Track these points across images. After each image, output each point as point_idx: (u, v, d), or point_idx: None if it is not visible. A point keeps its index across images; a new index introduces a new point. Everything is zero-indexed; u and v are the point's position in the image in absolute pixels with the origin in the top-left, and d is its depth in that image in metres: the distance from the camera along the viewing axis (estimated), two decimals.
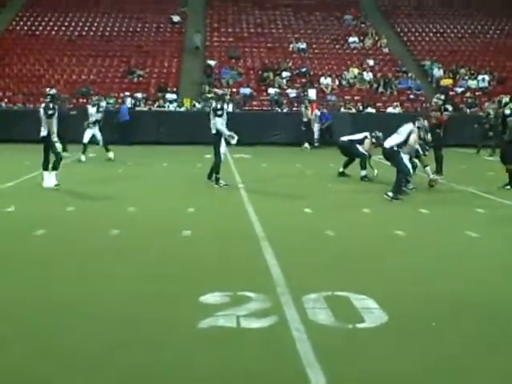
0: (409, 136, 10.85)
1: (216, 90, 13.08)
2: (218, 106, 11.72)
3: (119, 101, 25.20)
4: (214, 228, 8.12)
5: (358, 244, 7.35)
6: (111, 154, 16.95)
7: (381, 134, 13.36)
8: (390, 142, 10.96)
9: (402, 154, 10.80)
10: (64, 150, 17.81)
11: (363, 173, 13.18)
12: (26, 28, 32.55)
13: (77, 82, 27.63)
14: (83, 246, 7.05)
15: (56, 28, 32.60)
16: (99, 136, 17.14)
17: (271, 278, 5.76)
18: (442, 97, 15.06)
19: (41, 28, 32.56)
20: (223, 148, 12.05)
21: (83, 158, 16.63)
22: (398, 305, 5.03)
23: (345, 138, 13.79)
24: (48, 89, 12.49)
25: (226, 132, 11.69)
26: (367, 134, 13.43)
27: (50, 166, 11.41)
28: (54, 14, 33.55)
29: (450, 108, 14.96)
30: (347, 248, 7.14)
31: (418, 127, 11.12)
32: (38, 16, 33.41)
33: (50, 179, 11.36)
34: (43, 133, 11.43)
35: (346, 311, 4.84)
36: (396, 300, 5.15)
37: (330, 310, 4.84)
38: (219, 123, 11.59)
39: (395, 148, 10.80)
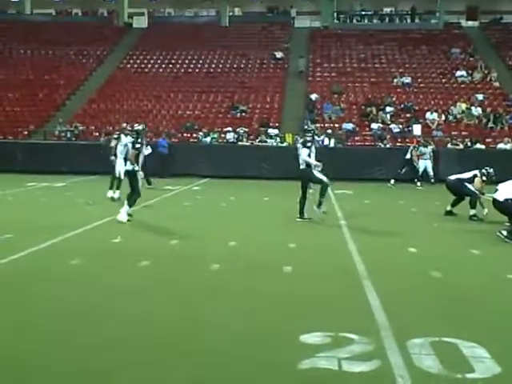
0: None
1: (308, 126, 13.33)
2: (308, 139, 11.99)
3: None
4: (315, 265, 7.99)
5: (466, 287, 7.00)
6: (113, 194, 14.92)
7: (492, 171, 12.78)
8: (504, 195, 10.41)
9: None
10: (149, 183, 18.29)
11: (472, 212, 12.63)
12: (135, 66, 34.10)
13: (182, 117, 28.50)
14: (184, 280, 7.13)
15: (163, 65, 33.95)
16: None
17: (374, 319, 5.56)
18: None
19: (149, 65, 34.01)
20: (319, 173, 11.96)
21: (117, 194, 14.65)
22: None
23: (453, 177, 13.29)
24: (136, 124, 12.82)
25: (312, 162, 11.80)
26: (477, 171, 12.88)
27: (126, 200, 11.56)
28: (162, 52, 34.99)
29: None
30: (455, 291, 6.81)
31: None
32: (147, 54, 34.96)
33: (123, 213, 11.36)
34: (128, 167, 11.74)
35: (455, 359, 4.59)
36: (510, 350, 4.81)
37: (437, 356, 4.60)
38: (305, 154, 11.72)
39: (510, 201, 10.26)
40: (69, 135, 26.58)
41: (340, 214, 13.07)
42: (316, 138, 24.08)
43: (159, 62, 34.34)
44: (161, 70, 33.51)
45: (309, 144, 11.87)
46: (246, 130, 26.50)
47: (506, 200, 10.31)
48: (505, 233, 10.00)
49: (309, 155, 11.85)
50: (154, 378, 4.24)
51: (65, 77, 32.51)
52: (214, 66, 33.81)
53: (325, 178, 12.00)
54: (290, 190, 16.06)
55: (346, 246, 9.40)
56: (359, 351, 4.70)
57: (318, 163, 11.83)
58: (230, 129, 26.47)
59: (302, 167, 11.91)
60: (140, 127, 12.22)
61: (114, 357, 4.59)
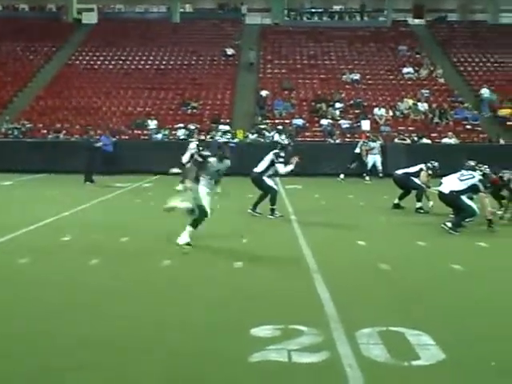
0: (473, 187, 10.56)
1: (280, 139, 13.20)
2: (282, 154, 12.06)
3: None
4: (266, 259, 8.06)
5: (413, 278, 7.17)
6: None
7: (437, 164, 13.12)
8: (449, 187, 10.68)
9: (462, 197, 10.53)
10: (91, 181, 18.44)
11: (418, 205, 12.95)
12: (84, 62, 33.54)
13: (132, 113, 28.23)
14: (135, 277, 7.09)
15: (113, 62, 33.51)
16: None
17: (323, 311, 5.65)
18: None
19: (99, 62, 33.52)
20: (270, 181, 12.10)
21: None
22: (456, 342, 4.85)
23: (400, 172, 13.60)
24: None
25: (290, 169, 11.99)
26: (422, 166, 13.21)
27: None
28: (112, 48, 34.53)
29: None
30: (402, 282, 6.97)
31: (484, 174, 10.78)
32: (97, 50, 34.45)
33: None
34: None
35: (401, 347, 4.70)
36: (454, 337, 4.97)
37: (385, 345, 4.71)
38: (282, 168, 11.94)
39: (455, 193, 10.53)
40: (16, 133, 26.01)
41: (290, 208, 13.18)
42: (267, 133, 24.31)
43: (109, 58, 33.86)
44: (111, 67, 33.05)
45: (281, 160, 11.97)
46: (198, 126, 26.42)
47: (452, 192, 10.58)
48: (449, 224, 10.29)
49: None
50: (107, 377, 4.23)
51: (11, 73, 31.73)
52: (164, 62, 33.55)
53: (274, 186, 12.15)
54: (239, 185, 16.14)
55: (296, 240, 9.50)
56: (309, 343, 4.76)
57: (291, 166, 11.92)
58: (181, 125, 26.36)
59: (255, 170, 12.08)
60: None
61: (71, 356, 4.56)
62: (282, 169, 11.96)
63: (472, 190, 10.61)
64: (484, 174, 10.86)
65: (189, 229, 8.81)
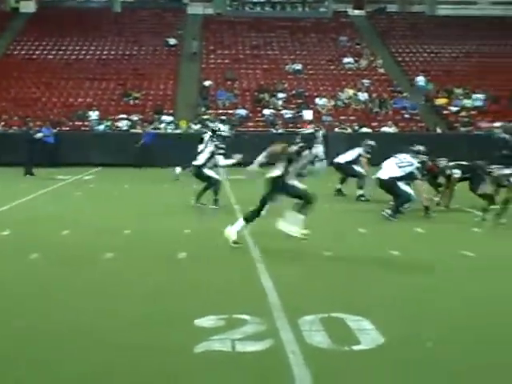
0: (410, 174, 10.82)
1: (222, 131, 12.99)
2: (223, 146, 12.04)
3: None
4: (210, 249, 8.08)
5: (354, 264, 7.32)
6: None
7: (373, 142, 13.51)
8: (387, 173, 10.89)
9: (399, 183, 10.78)
10: (31, 173, 18.26)
11: (359, 192, 13.23)
12: (23, 52, 32.71)
13: (73, 105, 27.74)
14: (76, 269, 7.00)
15: (53, 52, 32.78)
16: None
17: (267, 300, 5.71)
18: None
19: (38, 52, 32.74)
20: (211, 172, 12.12)
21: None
22: (395, 326, 4.99)
23: (340, 160, 13.83)
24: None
25: (231, 162, 11.96)
26: (360, 149, 13.54)
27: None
28: (52, 38, 33.74)
29: None
30: (343, 269, 7.10)
31: (423, 162, 11.10)
32: (36, 40, 33.60)
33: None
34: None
35: (342, 333, 4.80)
36: (392, 321, 5.11)
37: (326, 331, 4.79)
38: (221, 160, 12.01)
39: (392, 179, 10.77)
40: None
41: (234, 199, 13.23)
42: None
43: (49, 48, 33.07)
44: (50, 57, 32.32)
45: (222, 151, 12.19)
46: (141, 117, 26.19)
47: (390, 178, 10.83)
48: (389, 211, 10.54)
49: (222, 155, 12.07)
50: (41, 370, 4.20)
51: None
52: (106, 52, 33.03)
53: (216, 176, 12.17)
54: (182, 176, 16.11)
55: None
56: (252, 332, 4.80)
57: (236, 158, 11.81)
58: (123, 116, 26.06)
59: (195, 163, 12.05)
60: None
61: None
62: (222, 161, 11.96)
63: (409, 177, 10.89)
64: (422, 162, 11.15)
65: (300, 217, 8.35)
